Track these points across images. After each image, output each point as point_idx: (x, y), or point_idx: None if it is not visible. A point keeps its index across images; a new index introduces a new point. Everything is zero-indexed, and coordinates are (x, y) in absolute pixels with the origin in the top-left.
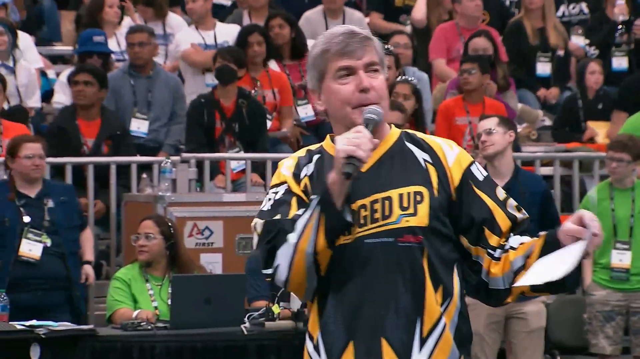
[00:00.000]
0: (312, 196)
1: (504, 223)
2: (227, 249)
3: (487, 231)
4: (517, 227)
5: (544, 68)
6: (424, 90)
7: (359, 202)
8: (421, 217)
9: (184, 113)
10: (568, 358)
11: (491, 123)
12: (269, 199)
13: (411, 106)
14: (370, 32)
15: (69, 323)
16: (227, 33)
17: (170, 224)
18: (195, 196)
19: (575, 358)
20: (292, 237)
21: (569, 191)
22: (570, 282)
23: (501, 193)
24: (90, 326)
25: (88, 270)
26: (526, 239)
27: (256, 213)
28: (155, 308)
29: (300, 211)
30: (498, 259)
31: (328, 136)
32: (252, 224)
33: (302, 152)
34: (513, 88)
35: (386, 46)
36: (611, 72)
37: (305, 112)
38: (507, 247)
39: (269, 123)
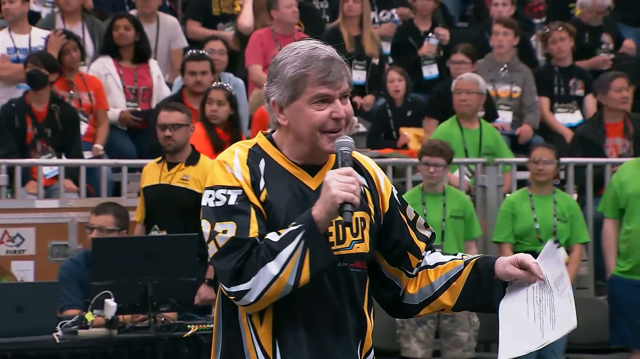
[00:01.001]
0: (292, 227)
1: (420, 245)
2: (39, 256)
3: (410, 256)
4: (427, 245)
5: (359, 76)
6: (240, 96)
7: None
8: (366, 244)
9: None
10: None
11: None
12: (217, 199)
13: (226, 112)
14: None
15: None
16: (41, 38)
17: None
18: (5, 203)
19: None
20: (272, 267)
21: None
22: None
23: (411, 213)
24: None
25: None
26: (441, 257)
27: (204, 211)
28: None
29: (273, 237)
30: (414, 276)
31: (262, 134)
32: (203, 227)
33: (243, 151)
34: None
35: (201, 51)
36: (423, 81)
37: None
38: (422, 265)
39: (84, 127)
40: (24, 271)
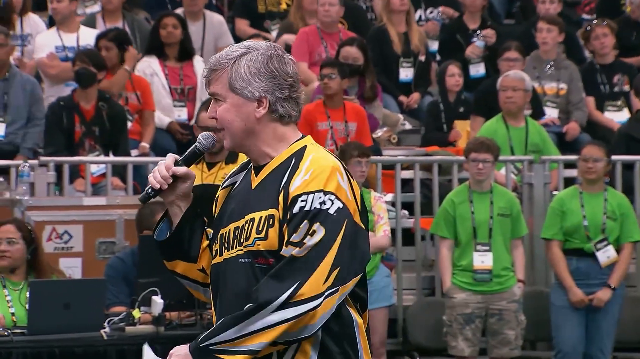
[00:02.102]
0: None
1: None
2: (86, 253)
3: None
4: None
5: (406, 73)
6: None
7: (234, 224)
8: (271, 241)
9: (42, 115)
10: None
11: None
12: None
13: None
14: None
15: None
16: (90, 36)
17: (30, 228)
18: (54, 200)
19: None
20: None
21: (429, 195)
22: None
23: (299, 235)
24: None
25: None
26: None
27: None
28: (13, 314)
29: None
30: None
31: None
32: None
33: (237, 166)
34: (380, 97)
35: None
36: (469, 79)
37: (179, 114)
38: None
39: (129, 126)
40: (71, 268)
